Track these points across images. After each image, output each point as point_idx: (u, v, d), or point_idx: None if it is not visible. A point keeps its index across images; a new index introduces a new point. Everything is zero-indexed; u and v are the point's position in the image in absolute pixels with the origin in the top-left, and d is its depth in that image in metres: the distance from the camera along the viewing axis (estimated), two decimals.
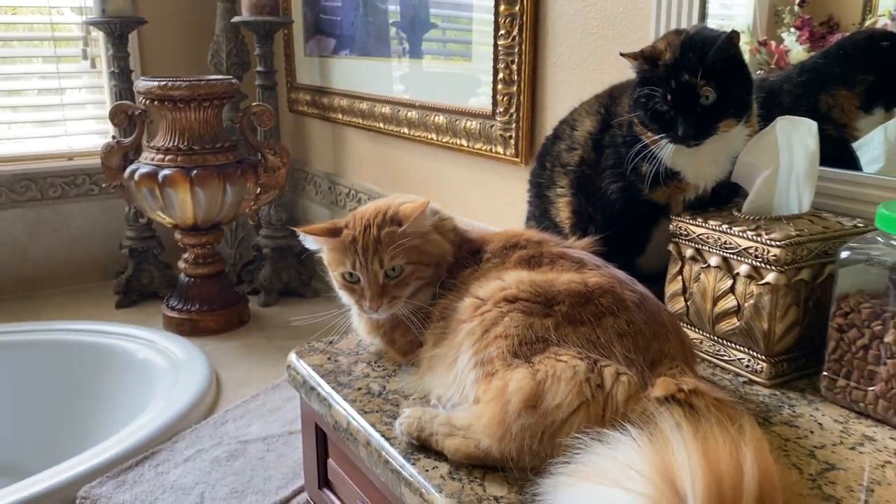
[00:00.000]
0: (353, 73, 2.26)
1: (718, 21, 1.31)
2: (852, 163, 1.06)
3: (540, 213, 1.14)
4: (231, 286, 2.46)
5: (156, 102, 2.15)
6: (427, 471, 0.72)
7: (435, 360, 0.83)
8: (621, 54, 1.01)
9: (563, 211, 1.09)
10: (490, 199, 1.75)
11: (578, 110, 1.11)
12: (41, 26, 2.61)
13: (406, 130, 1.98)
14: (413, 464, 0.73)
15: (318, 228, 0.91)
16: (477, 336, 0.78)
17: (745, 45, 1.16)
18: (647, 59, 0.98)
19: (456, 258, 0.92)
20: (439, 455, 0.74)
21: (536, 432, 0.68)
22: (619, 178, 1.03)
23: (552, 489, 0.63)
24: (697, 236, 0.95)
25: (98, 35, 2.56)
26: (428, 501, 0.70)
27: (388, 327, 0.92)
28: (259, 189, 2.35)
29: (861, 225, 0.92)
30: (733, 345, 0.94)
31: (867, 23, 1.05)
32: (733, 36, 0.94)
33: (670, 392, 0.70)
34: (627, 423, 0.66)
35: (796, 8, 1.11)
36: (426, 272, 0.89)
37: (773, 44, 1.14)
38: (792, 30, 1.11)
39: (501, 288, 0.81)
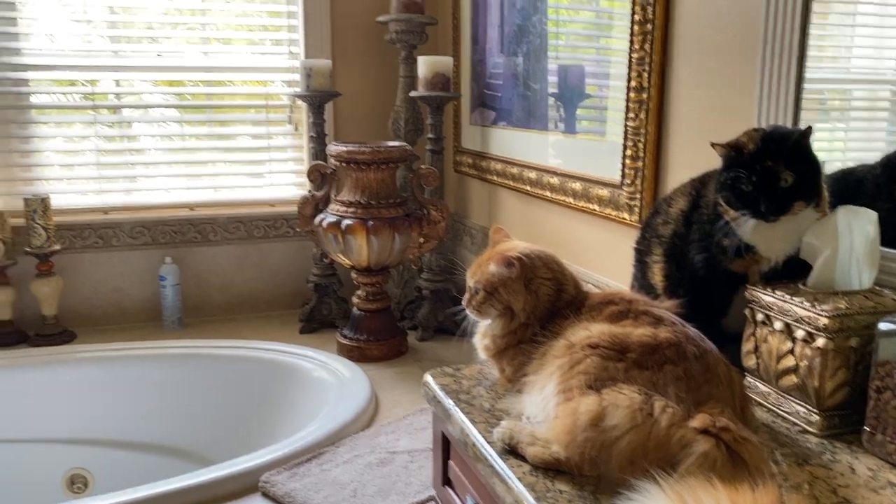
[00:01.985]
0: (506, 142, 2.53)
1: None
2: None
3: (641, 275, 1.34)
4: (394, 321, 2.75)
5: (343, 164, 2.52)
6: (513, 468, 0.96)
7: (531, 385, 1.07)
8: (711, 144, 1.20)
9: (657, 275, 1.29)
10: (614, 258, 1.93)
11: (675, 191, 1.31)
12: (257, 96, 3.15)
13: (548, 194, 2.21)
14: (504, 462, 0.97)
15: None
16: (564, 370, 1.01)
17: None
18: (733, 148, 1.15)
19: (560, 311, 1.16)
20: (523, 458, 0.97)
21: (596, 444, 0.90)
22: (704, 251, 1.21)
23: None
24: (766, 303, 1.12)
25: (301, 104, 3.04)
26: (510, 489, 0.93)
27: (496, 354, 1.17)
28: (422, 239, 2.65)
29: None
30: (792, 398, 1.09)
31: None
32: (807, 131, 1.11)
33: (705, 425, 0.89)
34: (668, 445, 0.87)
35: None
36: (496, 305, 1.14)
37: None
38: None
39: (588, 336, 1.03)
